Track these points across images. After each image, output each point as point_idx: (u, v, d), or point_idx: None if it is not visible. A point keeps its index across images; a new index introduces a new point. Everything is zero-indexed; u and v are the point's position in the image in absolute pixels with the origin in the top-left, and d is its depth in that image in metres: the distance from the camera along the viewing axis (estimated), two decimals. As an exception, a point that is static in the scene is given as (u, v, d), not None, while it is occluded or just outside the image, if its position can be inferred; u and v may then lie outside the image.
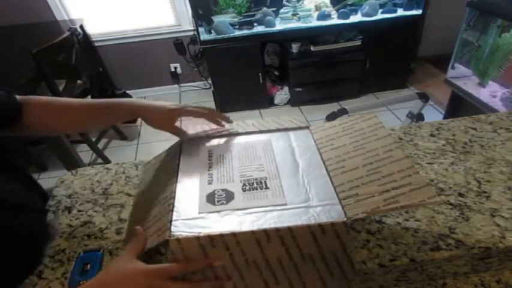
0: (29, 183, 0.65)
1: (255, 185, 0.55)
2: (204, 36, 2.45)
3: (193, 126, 0.70)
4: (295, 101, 2.77)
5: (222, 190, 0.54)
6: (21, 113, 0.59)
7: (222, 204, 0.52)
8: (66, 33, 1.89)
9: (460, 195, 0.60)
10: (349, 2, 2.49)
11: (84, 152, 2.36)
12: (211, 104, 2.86)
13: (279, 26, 2.51)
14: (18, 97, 0.60)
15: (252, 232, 0.45)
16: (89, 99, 0.65)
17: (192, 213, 0.50)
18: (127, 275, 0.45)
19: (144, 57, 2.97)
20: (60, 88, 1.92)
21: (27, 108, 0.59)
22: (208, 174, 0.58)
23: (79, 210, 0.65)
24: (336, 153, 0.59)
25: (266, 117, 0.75)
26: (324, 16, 2.50)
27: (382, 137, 0.59)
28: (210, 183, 0.56)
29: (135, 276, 0.44)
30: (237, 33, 2.47)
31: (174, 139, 0.68)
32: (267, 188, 0.54)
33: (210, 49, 2.49)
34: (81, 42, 2.17)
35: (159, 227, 0.49)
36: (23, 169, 0.65)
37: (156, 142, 2.47)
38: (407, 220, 0.55)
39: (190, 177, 0.58)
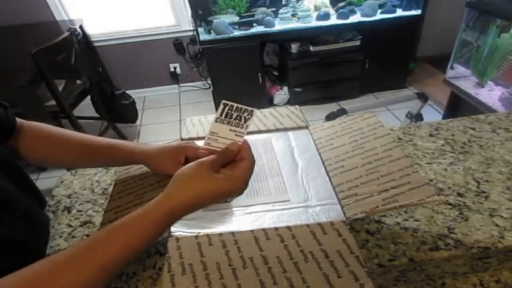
0: (27, 185, 0.65)
1: (257, 182, 0.55)
2: (204, 37, 2.45)
3: None
4: (294, 101, 2.77)
5: None
6: (16, 134, 0.56)
7: (226, 201, 0.52)
8: (66, 34, 1.89)
9: (459, 195, 0.60)
10: (341, 5, 2.49)
11: (83, 152, 2.36)
12: (210, 104, 2.86)
13: (279, 26, 2.52)
14: (21, 121, 0.58)
15: (251, 231, 0.46)
16: (89, 137, 0.61)
17: (192, 213, 0.50)
18: (223, 190, 0.42)
19: (144, 57, 2.97)
20: (60, 88, 1.92)
21: (23, 133, 0.57)
22: None
23: (78, 210, 0.65)
24: (335, 153, 0.59)
25: (263, 110, 0.74)
26: (323, 16, 2.50)
27: (381, 136, 0.60)
28: None
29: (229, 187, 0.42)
30: (237, 33, 2.47)
31: (175, 140, 0.68)
32: (269, 184, 0.54)
33: (210, 49, 2.49)
34: (80, 43, 2.16)
35: None
36: (23, 171, 0.64)
37: (155, 143, 2.47)
38: (406, 220, 0.55)
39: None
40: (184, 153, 0.56)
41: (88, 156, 0.61)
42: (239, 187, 0.43)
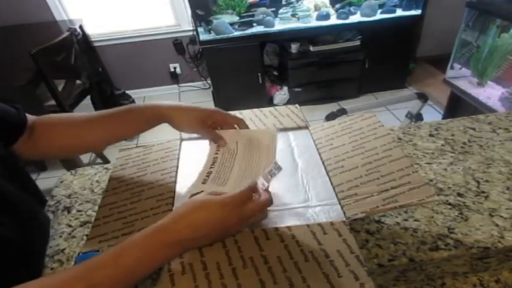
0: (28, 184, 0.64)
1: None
2: (203, 37, 2.45)
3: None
4: (294, 101, 2.77)
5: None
6: (29, 131, 0.57)
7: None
8: (66, 34, 1.89)
9: (459, 195, 0.60)
10: (339, 5, 2.49)
11: (83, 152, 2.35)
12: (210, 104, 2.86)
13: (278, 26, 2.52)
14: (33, 117, 0.58)
15: (251, 231, 0.46)
16: (104, 111, 0.60)
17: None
18: (203, 205, 0.43)
19: (144, 57, 2.97)
20: (60, 88, 1.92)
21: (37, 129, 0.57)
22: (207, 173, 0.58)
23: (78, 210, 0.65)
24: (335, 153, 0.59)
25: (263, 109, 0.74)
26: (323, 16, 2.50)
27: (381, 136, 0.60)
28: (204, 182, 0.56)
29: (212, 206, 0.43)
30: (236, 33, 2.47)
31: (175, 139, 0.68)
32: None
33: (210, 49, 2.49)
34: (80, 43, 2.17)
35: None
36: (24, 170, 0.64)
37: (156, 142, 2.46)
38: (406, 220, 0.55)
39: (190, 176, 0.58)
40: (213, 118, 0.59)
41: (113, 128, 0.60)
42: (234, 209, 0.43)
